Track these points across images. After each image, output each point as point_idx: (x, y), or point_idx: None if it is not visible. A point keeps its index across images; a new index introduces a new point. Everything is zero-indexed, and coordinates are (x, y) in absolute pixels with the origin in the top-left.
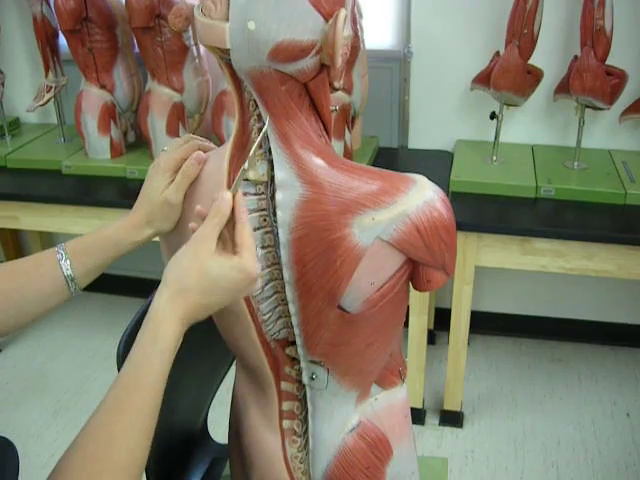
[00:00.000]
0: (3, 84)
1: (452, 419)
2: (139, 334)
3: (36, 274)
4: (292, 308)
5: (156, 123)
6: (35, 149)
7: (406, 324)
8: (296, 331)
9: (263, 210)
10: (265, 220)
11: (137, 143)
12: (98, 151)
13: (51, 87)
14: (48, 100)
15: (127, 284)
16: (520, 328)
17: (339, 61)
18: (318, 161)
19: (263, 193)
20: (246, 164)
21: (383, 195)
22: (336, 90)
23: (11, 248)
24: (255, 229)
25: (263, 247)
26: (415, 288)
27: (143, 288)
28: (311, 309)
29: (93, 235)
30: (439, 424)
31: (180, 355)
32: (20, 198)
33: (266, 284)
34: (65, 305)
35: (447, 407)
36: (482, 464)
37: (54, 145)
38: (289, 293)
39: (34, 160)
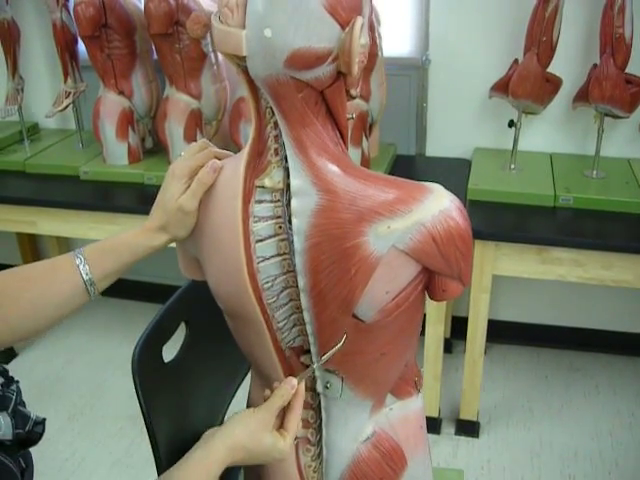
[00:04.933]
0: (22, 90)
1: (468, 429)
2: (195, 455)
3: (55, 279)
4: (307, 316)
5: (174, 129)
6: (53, 154)
7: (422, 332)
8: (311, 339)
9: (279, 218)
10: (280, 227)
11: (155, 149)
12: (116, 157)
13: (70, 93)
14: (67, 106)
15: (143, 289)
16: (537, 337)
17: (356, 69)
18: (334, 169)
19: (279, 200)
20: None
21: (399, 204)
22: (353, 98)
23: (29, 253)
24: (270, 237)
25: (279, 254)
26: (431, 298)
27: (159, 293)
28: (325, 317)
29: (110, 240)
30: (455, 433)
31: (196, 360)
32: (38, 203)
33: (281, 292)
34: (82, 310)
35: (463, 416)
36: (498, 474)
37: (72, 150)
38: (304, 301)
39: (52, 165)
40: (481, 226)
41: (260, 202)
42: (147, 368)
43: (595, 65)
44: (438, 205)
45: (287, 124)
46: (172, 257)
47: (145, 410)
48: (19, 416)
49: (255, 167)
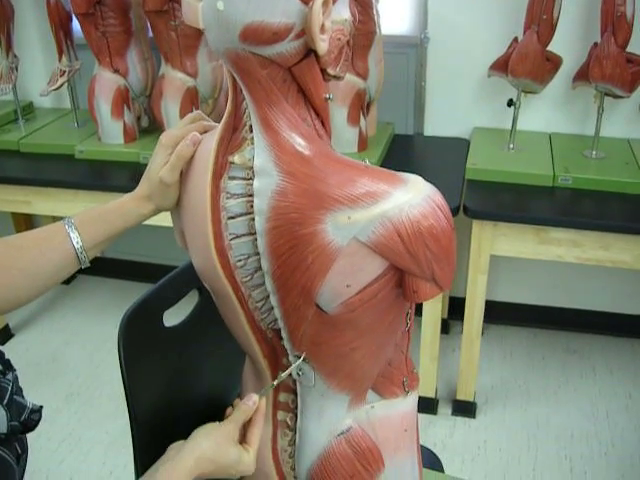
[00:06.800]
0: (17, 68)
1: (465, 409)
2: (164, 467)
3: (47, 247)
4: (273, 300)
5: (169, 108)
6: (48, 133)
7: (420, 313)
8: (280, 324)
9: (250, 196)
10: (252, 206)
11: (150, 128)
12: (111, 136)
13: (65, 71)
14: (62, 84)
15: (139, 269)
16: (535, 318)
17: (322, 47)
18: (299, 151)
19: (251, 178)
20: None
21: (363, 193)
22: (336, 78)
23: None
24: (242, 214)
25: (250, 234)
26: (404, 298)
27: (155, 273)
28: (289, 303)
29: (100, 208)
30: (451, 414)
31: (209, 329)
32: (33, 183)
33: (255, 272)
34: (78, 290)
35: (460, 397)
36: (494, 455)
37: (67, 129)
38: (268, 284)
39: (47, 144)
40: (479, 206)
41: (233, 178)
42: (139, 329)
43: (596, 44)
44: (409, 199)
45: (253, 101)
46: (170, 237)
47: (124, 367)
48: (14, 407)
49: (229, 142)
